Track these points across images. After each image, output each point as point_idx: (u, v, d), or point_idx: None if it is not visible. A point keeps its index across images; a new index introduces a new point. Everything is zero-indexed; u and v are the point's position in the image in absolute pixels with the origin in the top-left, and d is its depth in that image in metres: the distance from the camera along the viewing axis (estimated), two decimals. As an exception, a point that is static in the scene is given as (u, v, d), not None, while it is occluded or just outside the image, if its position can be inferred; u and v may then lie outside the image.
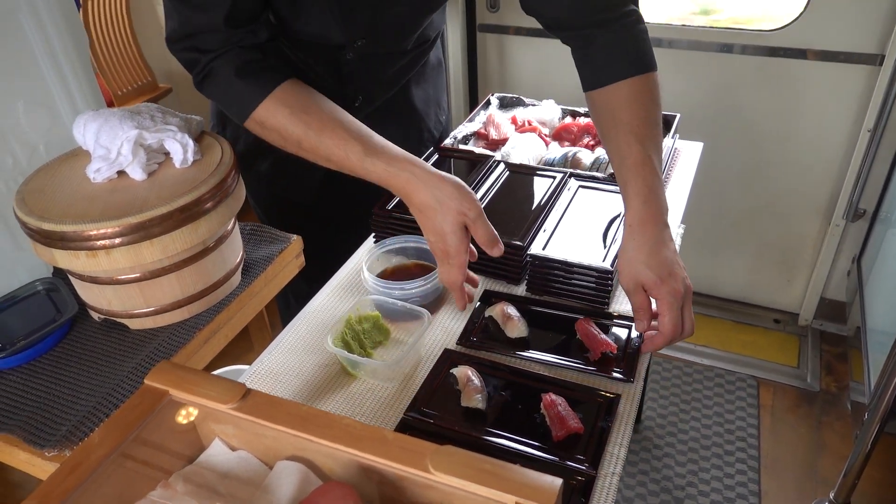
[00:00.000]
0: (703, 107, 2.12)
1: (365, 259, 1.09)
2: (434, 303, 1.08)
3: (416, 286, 1.04)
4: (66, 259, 0.82)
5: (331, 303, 1.13)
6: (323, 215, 1.44)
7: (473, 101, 2.43)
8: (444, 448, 0.63)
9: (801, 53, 1.93)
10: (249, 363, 0.99)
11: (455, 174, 1.32)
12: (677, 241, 1.24)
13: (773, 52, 1.95)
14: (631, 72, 1.01)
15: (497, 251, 0.94)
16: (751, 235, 2.29)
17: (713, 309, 2.44)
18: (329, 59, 1.13)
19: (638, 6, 1.07)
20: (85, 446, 0.66)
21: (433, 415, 0.91)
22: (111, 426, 0.68)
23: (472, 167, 1.33)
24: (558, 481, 0.60)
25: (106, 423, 0.70)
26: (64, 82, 0.99)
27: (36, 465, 0.76)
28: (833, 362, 2.20)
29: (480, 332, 1.03)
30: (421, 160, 0.93)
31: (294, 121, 0.89)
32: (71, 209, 0.82)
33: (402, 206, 1.21)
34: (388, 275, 1.12)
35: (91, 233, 0.79)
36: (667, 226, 0.96)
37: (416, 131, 1.41)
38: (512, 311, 1.04)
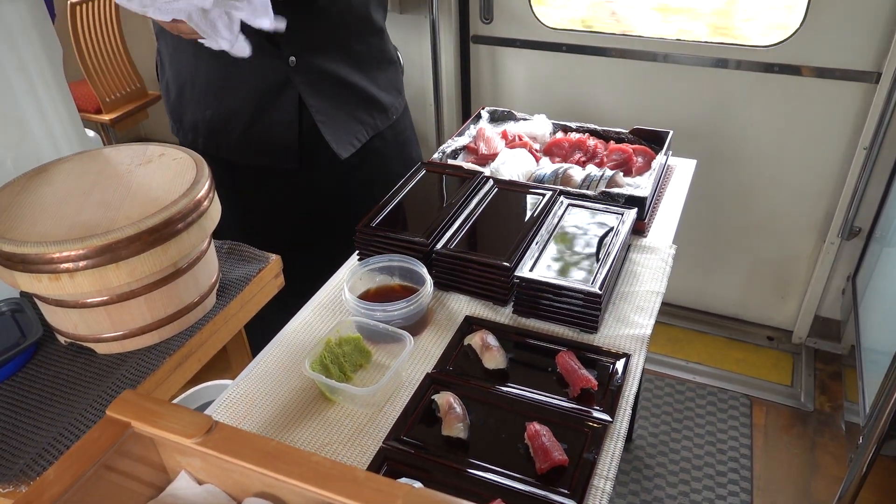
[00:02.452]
0: (698, 122, 2.09)
1: (347, 279, 1.06)
2: (417, 325, 1.05)
3: (398, 308, 1.00)
4: (28, 282, 0.78)
5: (311, 323, 1.09)
6: (300, 229, 1.42)
7: (466, 112, 2.41)
8: (418, 491, 0.59)
9: (797, 70, 1.91)
10: (232, 378, 0.95)
11: (443, 190, 1.30)
12: (668, 261, 1.21)
13: (769, 67, 1.93)
14: None
15: None
16: (745, 252, 2.26)
17: (706, 325, 2.41)
18: None
19: None
20: (39, 483, 0.62)
21: (413, 444, 0.87)
22: (68, 461, 0.65)
23: (461, 183, 1.29)
24: (537, 529, 0.56)
25: (63, 458, 0.66)
26: (35, 95, 0.96)
27: (-10, 500, 0.72)
28: (827, 381, 2.17)
29: (457, 361, 1.00)
30: None
31: None
32: (34, 229, 0.79)
33: (386, 224, 1.18)
34: (371, 295, 1.09)
35: (54, 255, 0.76)
36: None
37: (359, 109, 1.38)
38: (492, 340, 1.00)
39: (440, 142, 2.36)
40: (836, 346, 2.27)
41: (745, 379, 2.18)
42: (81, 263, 0.76)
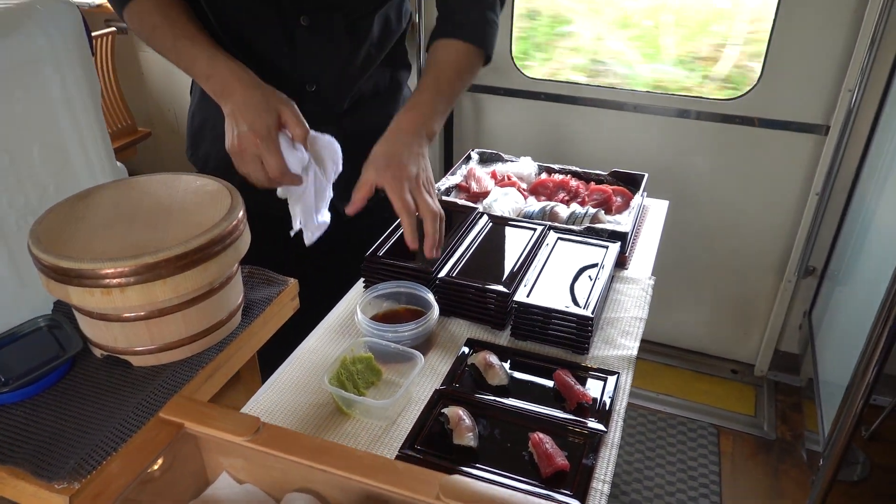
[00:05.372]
0: (665, 167, 2.25)
1: (359, 302, 1.14)
2: (423, 346, 1.13)
3: (408, 329, 1.09)
4: (80, 296, 0.84)
5: (322, 345, 1.17)
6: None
7: (448, 155, 2.53)
8: (454, 477, 0.67)
9: (754, 121, 2.09)
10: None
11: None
12: (648, 291, 1.32)
13: (730, 119, 2.10)
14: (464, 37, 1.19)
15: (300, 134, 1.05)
16: (709, 290, 2.41)
17: (673, 359, 2.53)
18: (281, 32, 1.20)
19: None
20: (105, 476, 0.68)
21: (427, 452, 0.95)
22: (128, 456, 0.71)
23: (458, 218, 1.39)
24: (561, 508, 0.65)
25: (123, 453, 0.72)
26: (77, 127, 1.03)
27: (43, 497, 0.77)
28: (787, 412, 2.30)
29: (463, 379, 1.08)
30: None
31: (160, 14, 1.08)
32: (88, 248, 0.85)
33: (392, 253, 1.27)
34: (378, 319, 1.17)
35: (108, 271, 0.82)
36: (423, 136, 1.10)
37: None
38: (493, 359, 1.09)
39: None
40: (794, 378, 2.41)
41: (712, 409, 2.30)
42: (132, 279, 0.83)
